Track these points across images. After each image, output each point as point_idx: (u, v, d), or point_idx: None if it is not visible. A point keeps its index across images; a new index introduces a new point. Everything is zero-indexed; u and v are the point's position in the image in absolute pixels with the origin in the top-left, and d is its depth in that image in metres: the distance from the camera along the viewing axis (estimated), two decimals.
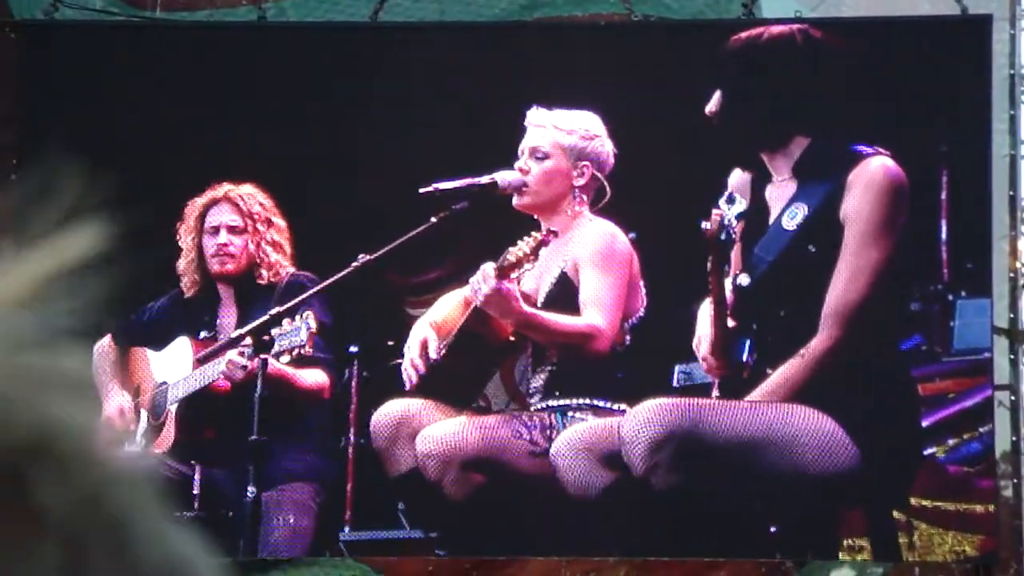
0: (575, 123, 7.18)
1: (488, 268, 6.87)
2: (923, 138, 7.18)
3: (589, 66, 7.47)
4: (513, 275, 6.86)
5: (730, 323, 6.92)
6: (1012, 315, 7.89)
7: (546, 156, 7.17)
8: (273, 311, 6.92)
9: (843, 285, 6.81)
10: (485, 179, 7.09)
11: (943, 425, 7.02)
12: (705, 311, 6.94)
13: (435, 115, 7.58)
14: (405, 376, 7.09)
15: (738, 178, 7.02)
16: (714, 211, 6.89)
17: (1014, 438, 7.82)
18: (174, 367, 7.41)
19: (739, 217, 6.89)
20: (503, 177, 7.12)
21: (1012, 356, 7.84)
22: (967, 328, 7.11)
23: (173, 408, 7.38)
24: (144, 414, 7.49)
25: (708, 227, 6.85)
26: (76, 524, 0.69)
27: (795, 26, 7.16)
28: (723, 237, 6.85)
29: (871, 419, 6.84)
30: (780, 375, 6.84)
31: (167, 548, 0.77)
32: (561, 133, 7.17)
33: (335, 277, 7.03)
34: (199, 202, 7.47)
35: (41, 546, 0.68)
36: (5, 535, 0.68)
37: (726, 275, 6.95)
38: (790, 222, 6.93)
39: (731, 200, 6.91)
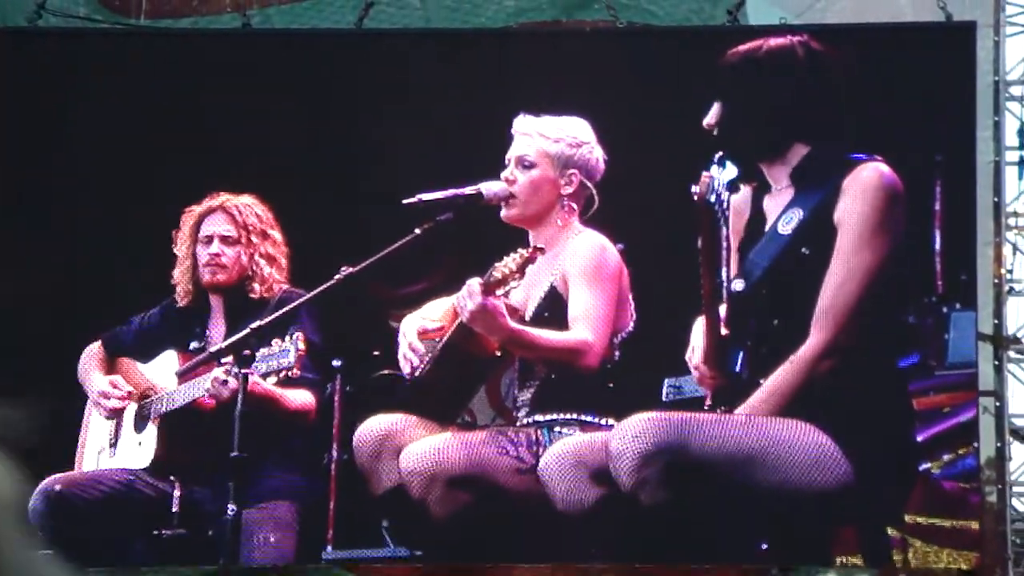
0: (562, 130, 6.50)
1: (474, 284, 6.18)
2: (917, 147, 6.64)
3: (577, 73, 6.92)
4: (499, 292, 6.17)
5: (723, 331, 6.25)
6: (996, 321, 7.40)
7: (532, 165, 6.48)
8: (253, 325, 6.20)
9: (834, 288, 6.16)
10: (470, 190, 6.40)
11: (938, 440, 6.44)
12: (701, 322, 6.29)
13: (421, 123, 7.03)
14: (404, 361, 6.38)
15: (738, 195, 6.38)
16: (704, 174, 6.21)
17: (998, 444, 7.33)
18: (160, 381, 6.73)
19: (729, 185, 6.21)
20: (488, 188, 6.43)
21: (996, 362, 7.35)
22: (961, 341, 6.53)
23: (155, 423, 6.70)
24: (128, 427, 6.81)
25: (697, 190, 6.16)
26: None
27: (795, 38, 6.49)
28: (712, 199, 6.16)
29: (865, 433, 6.19)
30: (771, 383, 6.17)
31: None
32: (547, 141, 6.48)
33: (316, 291, 6.33)
34: (196, 211, 6.82)
35: None
36: None
37: (722, 286, 6.27)
38: (785, 227, 6.28)
39: (722, 164, 6.23)
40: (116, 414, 6.75)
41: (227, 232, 6.76)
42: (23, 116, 7.50)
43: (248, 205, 6.81)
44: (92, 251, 7.19)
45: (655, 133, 6.76)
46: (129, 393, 6.73)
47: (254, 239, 6.77)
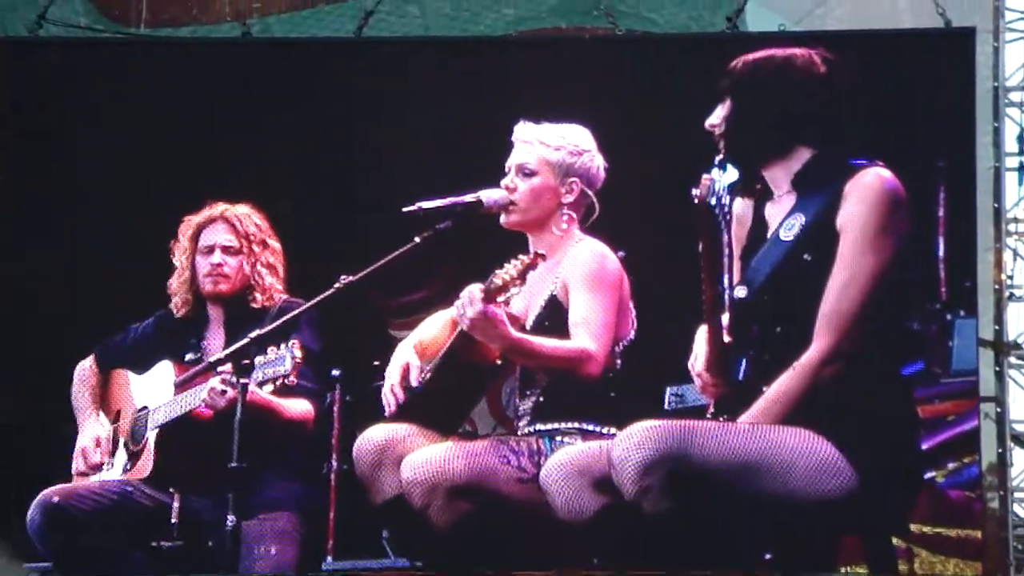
0: (563, 138, 6.26)
1: (474, 291, 5.94)
2: (919, 153, 6.43)
3: (577, 80, 6.72)
4: (500, 298, 5.92)
5: (726, 339, 6.01)
6: (997, 327, 7.21)
7: (533, 173, 6.25)
8: (253, 334, 5.96)
9: (836, 294, 5.91)
10: (470, 197, 6.16)
11: (943, 448, 6.22)
12: (704, 330, 6.05)
13: (421, 131, 6.83)
14: (384, 402, 6.18)
15: (740, 204, 6.15)
16: (704, 176, 5.97)
17: (1000, 450, 7.13)
18: (156, 392, 6.50)
19: (730, 188, 5.97)
20: (488, 195, 6.19)
21: (997, 368, 7.16)
22: (965, 348, 6.31)
23: (153, 434, 6.47)
24: (123, 440, 6.58)
25: (697, 193, 5.92)
26: None
27: (803, 49, 6.26)
28: (712, 202, 5.92)
29: (869, 441, 5.95)
30: (774, 391, 5.92)
31: None
32: (548, 149, 6.25)
33: (316, 300, 6.08)
34: (194, 220, 6.61)
35: None
36: None
37: (724, 293, 6.04)
38: (787, 233, 6.04)
39: (722, 167, 5.99)
40: (83, 476, 6.56)
41: (229, 242, 6.55)
42: (24, 125, 7.31)
43: (247, 214, 6.61)
44: (91, 259, 7.00)
45: (655, 140, 6.57)
46: (103, 460, 6.53)
47: (255, 248, 6.56)
